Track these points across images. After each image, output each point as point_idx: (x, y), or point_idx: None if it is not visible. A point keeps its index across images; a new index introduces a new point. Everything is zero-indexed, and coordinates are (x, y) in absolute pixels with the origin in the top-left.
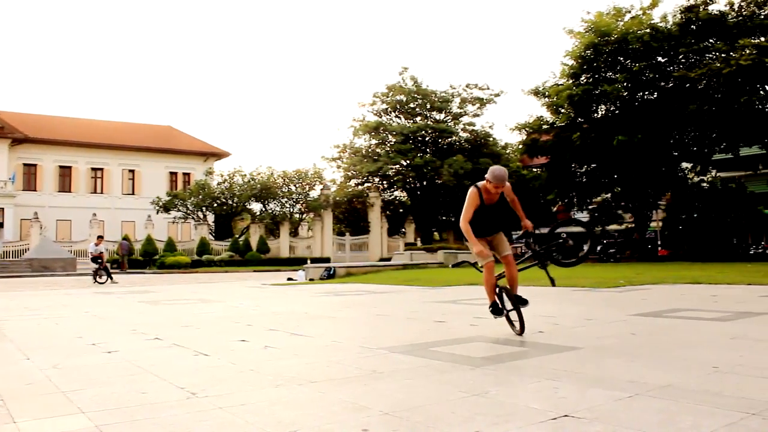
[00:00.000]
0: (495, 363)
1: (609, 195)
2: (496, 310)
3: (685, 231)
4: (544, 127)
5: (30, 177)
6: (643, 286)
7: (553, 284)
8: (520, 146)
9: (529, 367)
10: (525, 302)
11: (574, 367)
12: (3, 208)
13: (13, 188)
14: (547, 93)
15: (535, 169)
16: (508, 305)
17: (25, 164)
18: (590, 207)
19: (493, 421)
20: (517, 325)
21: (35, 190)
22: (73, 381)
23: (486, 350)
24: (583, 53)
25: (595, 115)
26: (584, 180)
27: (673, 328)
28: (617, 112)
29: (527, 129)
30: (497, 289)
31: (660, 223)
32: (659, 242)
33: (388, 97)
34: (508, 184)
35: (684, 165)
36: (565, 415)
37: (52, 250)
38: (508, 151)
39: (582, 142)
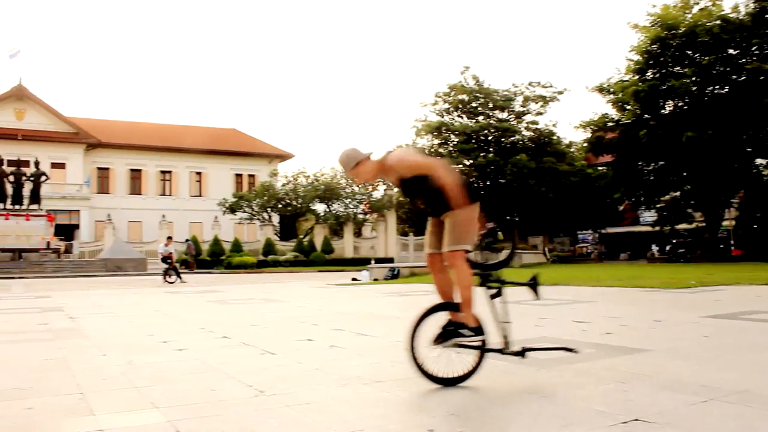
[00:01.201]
0: (561, 364)
1: (678, 193)
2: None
3: (761, 230)
4: (609, 124)
5: (103, 180)
6: (716, 287)
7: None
8: (585, 144)
9: (597, 369)
10: (451, 335)
11: (643, 369)
12: (79, 211)
13: (89, 191)
14: (612, 89)
15: (600, 168)
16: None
17: (98, 168)
18: (658, 206)
19: (561, 424)
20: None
21: (108, 193)
22: (146, 377)
23: (552, 351)
24: (649, 48)
25: (663, 111)
26: (652, 178)
27: (748, 330)
28: (686, 107)
29: (592, 127)
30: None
31: (733, 222)
32: (732, 242)
33: (449, 96)
34: (394, 158)
35: (758, 161)
36: (636, 419)
37: (125, 250)
38: (572, 150)
39: (649, 139)
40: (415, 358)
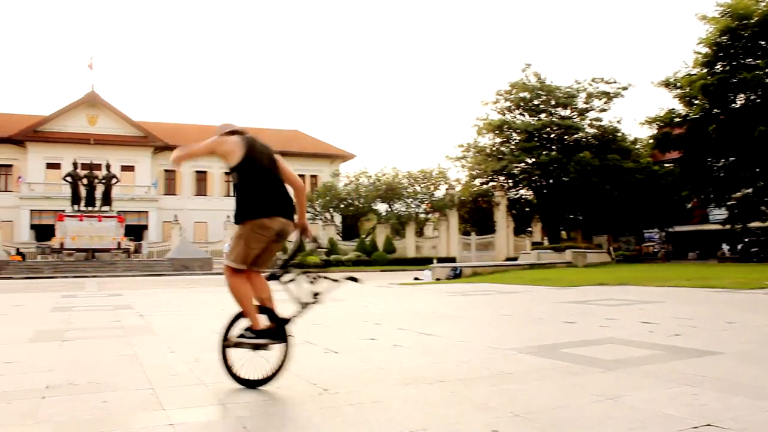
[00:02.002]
0: (628, 366)
1: (750, 190)
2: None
3: None
4: (676, 120)
5: (170, 182)
6: None
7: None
8: (651, 141)
9: (666, 372)
10: (239, 336)
11: (715, 373)
12: (147, 212)
13: (156, 193)
14: (678, 84)
15: (667, 165)
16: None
17: (165, 170)
18: (729, 203)
19: (628, 427)
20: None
21: (175, 194)
22: (213, 374)
23: (618, 352)
24: (718, 39)
25: (733, 105)
26: (722, 174)
27: None
28: (758, 100)
29: (658, 123)
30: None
31: None
32: None
33: (511, 94)
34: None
35: None
36: (708, 425)
37: (191, 250)
38: (637, 146)
39: (718, 135)
40: (225, 361)
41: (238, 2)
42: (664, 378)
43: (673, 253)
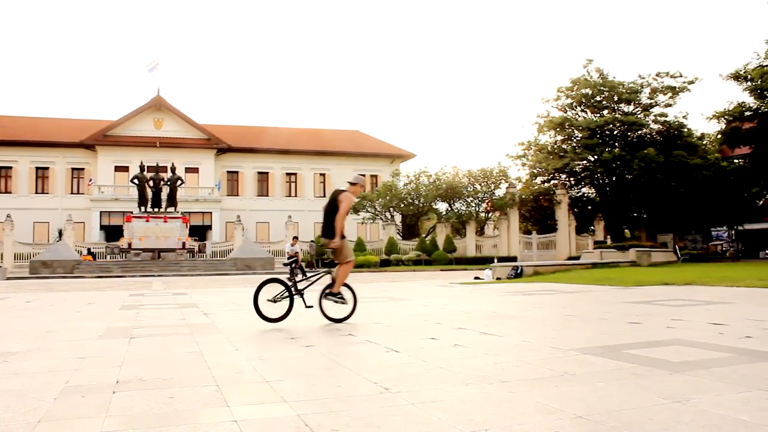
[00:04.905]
0: (696, 368)
1: None
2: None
3: None
4: (747, 113)
5: (233, 183)
6: None
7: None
8: (719, 136)
9: (737, 375)
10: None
11: None
12: (211, 212)
13: (219, 194)
14: (749, 76)
15: (736, 160)
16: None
17: (228, 171)
18: None
19: None
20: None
21: (237, 195)
22: (276, 372)
23: (686, 354)
24: None
25: None
26: None
27: None
28: None
29: (726, 117)
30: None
31: None
32: None
33: (572, 91)
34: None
35: None
36: None
37: (253, 249)
38: (704, 142)
39: None
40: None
41: (297, 5)
42: (736, 381)
43: (744, 252)
